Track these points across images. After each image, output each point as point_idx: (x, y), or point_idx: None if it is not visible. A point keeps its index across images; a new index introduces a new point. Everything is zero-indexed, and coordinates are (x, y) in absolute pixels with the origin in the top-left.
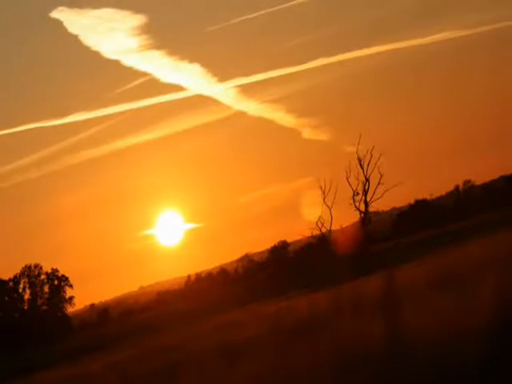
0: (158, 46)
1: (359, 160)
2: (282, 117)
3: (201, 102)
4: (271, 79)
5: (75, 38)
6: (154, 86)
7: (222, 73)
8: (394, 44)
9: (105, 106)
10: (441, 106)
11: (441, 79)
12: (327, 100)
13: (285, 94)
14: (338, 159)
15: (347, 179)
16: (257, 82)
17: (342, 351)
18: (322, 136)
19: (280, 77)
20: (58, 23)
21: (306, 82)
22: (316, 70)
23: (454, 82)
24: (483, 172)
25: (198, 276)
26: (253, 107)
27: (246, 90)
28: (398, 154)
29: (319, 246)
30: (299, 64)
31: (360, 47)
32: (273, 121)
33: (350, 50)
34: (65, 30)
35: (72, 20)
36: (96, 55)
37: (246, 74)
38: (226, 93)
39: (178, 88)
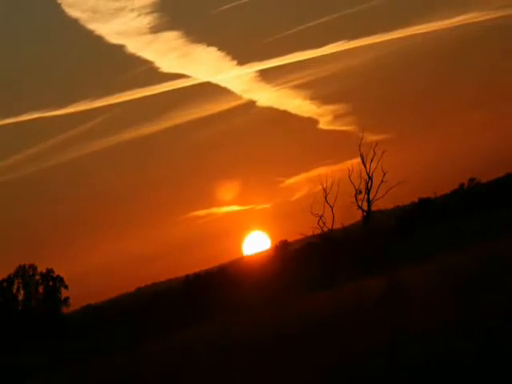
0: (171, 26)
1: (362, 157)
2: (300, 105)
3: (216, 89)
4: (291, 64)
5: (75, 21)
6: (163, 72)
7: (240, 57)
8: (418, 27)
9: (109, 94)
10: (457, 97)
11: (462, 67)
12: (349, 87)
13: (305, 80)
14: (351, 152)
15: (349, 177)
16: (276, 67)
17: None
18: (342, 126)
19: (301, 61)
20: (56, 6)
21: (328, 66)
22: (338, 54)
23: (473, 70)
24: (488, 169)
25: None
26: (270, 94)
27: (265, 75)
28: (400, 151)
29: (322, 245)
30: (320, 47)
31: (385, 30)
32: (286, 110)
33: (374, 33)
34: (63, 13)
35: (71, 2)
36: (99, 40)
37: (265, 58)
38: (244, 78)
39: (190, 75)
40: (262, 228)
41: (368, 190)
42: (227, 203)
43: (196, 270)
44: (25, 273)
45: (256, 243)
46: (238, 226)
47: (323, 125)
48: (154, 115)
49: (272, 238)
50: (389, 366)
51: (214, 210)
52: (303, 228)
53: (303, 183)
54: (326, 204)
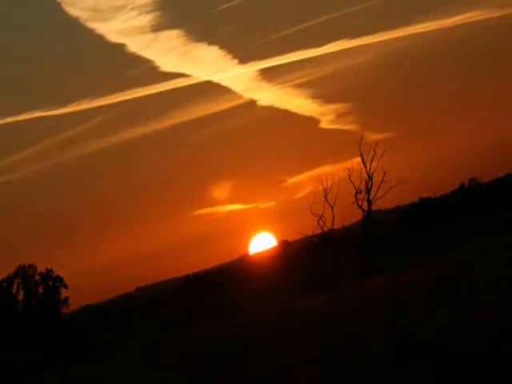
0: (171, 25)
1: (362, 157)
2: (301, 104)
3: (217, 88)
4: (292, 63)
5: (75, 20)
6: (164, 72)
7: (241, 56)
8: (418, 26)
9: (109, 94)
10: (457, 96)
11: (463, 67)
12: (350, 86)
13: (306, 79)
14: (353, 152)
15: (349, 177)
16: (277, 66)
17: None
18: (344, 125)
19: (302, 60)
20: (56, 5)
21: (329, 65)
22: (339, 53)
23: (474, 70)
24: (488, 169)
25: (196, 276)
26: (272, 93)
27: (266, 74)
28: (400, 151)
29: (323, 245)
30: (321, 46)
31: (385, 29)
32: (287, 109)
33: (375, 32)
34: (63, 11)
35: (71, 0)
36: (99, 39)
37: (266, 57)
38: (245, 77)
39: (190, 74)
40: (267, 226)
41: (368, 190)
42: (231, 202)
43: (199, 268)
44: (24, 273)
45: (260, 241)
46: (242, 225)
47: (325, 124)
48: (154, 114)
49: (276, 237)
50: (389, 366)
51: (218, 208)
52: (306, 227)
53: (306, 182)
54: (327, 204)
